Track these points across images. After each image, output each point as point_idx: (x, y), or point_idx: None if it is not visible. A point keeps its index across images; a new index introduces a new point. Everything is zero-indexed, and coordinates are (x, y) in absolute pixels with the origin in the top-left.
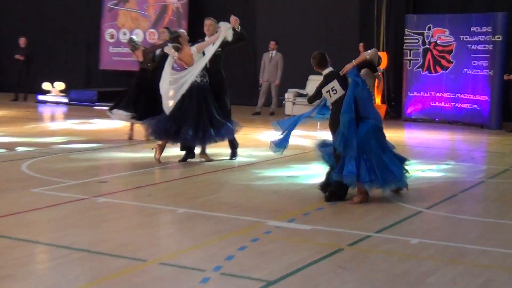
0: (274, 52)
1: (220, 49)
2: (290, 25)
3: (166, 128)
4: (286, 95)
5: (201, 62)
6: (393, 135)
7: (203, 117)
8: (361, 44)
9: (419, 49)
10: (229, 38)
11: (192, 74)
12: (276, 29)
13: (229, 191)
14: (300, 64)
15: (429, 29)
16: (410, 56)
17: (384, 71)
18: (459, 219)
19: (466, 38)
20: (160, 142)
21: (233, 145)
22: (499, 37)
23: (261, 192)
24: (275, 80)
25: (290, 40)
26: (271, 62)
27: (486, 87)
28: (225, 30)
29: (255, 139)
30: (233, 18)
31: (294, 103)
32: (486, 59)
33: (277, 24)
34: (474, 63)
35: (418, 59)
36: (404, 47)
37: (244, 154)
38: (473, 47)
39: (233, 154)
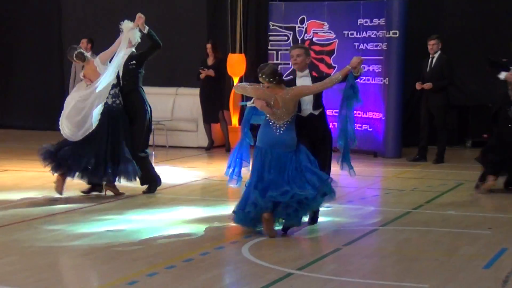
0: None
1: (134, 62)
2: (111, 20)
3: (64, 158)
4: None
5: (106, 77)
6: None
7: (107, 149)
8: (209, 45)
9: (289, 50)
10: (134, 40)
11: (100, 95)
12: (91, 28)
13: (22, 255)
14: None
15: (302, 21)
16: (277, 59)
17: (243, 79)
18: (342, 283)
19: (352, 34)
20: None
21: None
22: (395, 33)
23: (67, 256)
24: None
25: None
26: None
27: (379, 101)
28: (127, 31)
29: None
30: (137, 16)
31: None
32: (379, 62)
33: (92, 23)
34: (364, 68)
35: (288, 63)
36: (269, 47)
37: (45, 201)
38: (361, 46)
39: (150, 189)
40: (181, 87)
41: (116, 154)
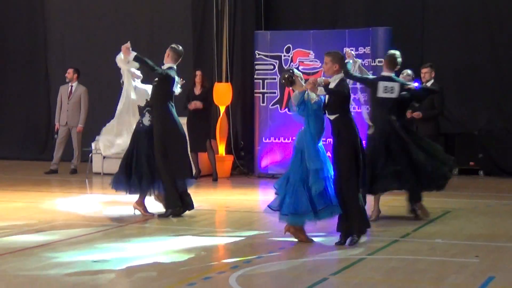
0: (74, 84)
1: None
2: (98, 49)
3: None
4: (93, 144)
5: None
6: (242, 197)
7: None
8: (198, 73)
9: (275, 79)
10: (137, 72)
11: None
12: (76, 54)
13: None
14: (112, 102)
15: (288, 50)
16: (263, 88)
17: (230, 108)
18: None
19: None
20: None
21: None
22: (380, 61)
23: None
24: (77, 124)
25: (98, 69)
26: (71, 98)
27: (367, 129)
28: (123, 66)
29: (50, 209)
30: (122, 47)
31: (104, 157)
32: (365, 90)
33: (77, 46)
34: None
35: (274, 92)
36: (255, 76)
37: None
38: None
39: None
40: None
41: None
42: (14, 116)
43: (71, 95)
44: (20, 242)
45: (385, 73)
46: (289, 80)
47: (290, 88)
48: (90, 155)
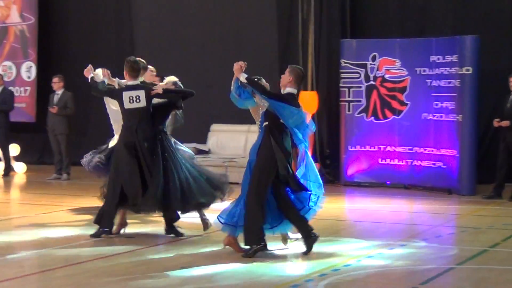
0: None
1: None
2: (184, 57)
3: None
4: None
5: None
6: (328, 205)
7: None
8: None
9: (361, 87)
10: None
11: None
12: (164, 62)
13: None
14: (199, 109)
15: (374, 59)
16: (348, 97)
17: (315, 116)
18: None
19: (424, 71)
20: None
21: None
22: (468, 70)
23: None
24: None
25: (184, 77)
26: None
27: (453, 137)
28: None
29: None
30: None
31: None
32: (452, 99)
33: (165, 55)
34: (436, 104)
35: (360, 100)
36: (341, 84)
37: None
38: (434, 83)
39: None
40: (253, 124)
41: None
42: (101, 123)
43: None
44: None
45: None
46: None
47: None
48: None
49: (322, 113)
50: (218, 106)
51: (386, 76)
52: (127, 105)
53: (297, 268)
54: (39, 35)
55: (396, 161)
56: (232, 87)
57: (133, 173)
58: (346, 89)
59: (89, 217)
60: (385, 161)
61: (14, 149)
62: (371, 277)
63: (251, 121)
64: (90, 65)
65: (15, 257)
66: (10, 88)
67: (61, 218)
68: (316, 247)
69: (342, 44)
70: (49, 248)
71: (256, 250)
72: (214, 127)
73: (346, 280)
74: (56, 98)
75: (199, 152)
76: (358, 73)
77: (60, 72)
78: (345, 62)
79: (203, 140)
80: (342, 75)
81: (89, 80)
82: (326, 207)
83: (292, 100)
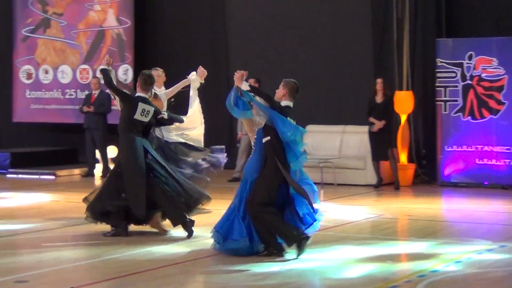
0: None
1: None
2: (278, 58)
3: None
4: None
5: None
6: (425, 205)
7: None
8: (379, 80)
9: (457, 86)
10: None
11: None
12: (257, 63)
13: None
14: (293, 110)
15: (470, 58)
16: (445, 96)
17: (411, 117)
18: None
19: None
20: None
21: None
22: None
23: None
24: None
25: (279, 78)
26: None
27: None
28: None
29: None
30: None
31: None
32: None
33: (258, 56)
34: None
35: (456, 100)
36: (437, 84)
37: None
38: None
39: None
40: (348, 124)
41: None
42: None
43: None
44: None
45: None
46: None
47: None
48: None
49: (418, 113)
50: (313, 106)
51: (483, 75)
52: (137, 116)
53: (395, 269)
54: (135, 38)
55: (493, 161)
56: (231, 97)
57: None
58: (442, 89)
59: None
60: (483, 161)
61: (112, 150)
62: (470, 278)
63: (346, 122)
64: (108, 56)
65: (112, 258)
66: (108, 91)
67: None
68: (414, 248)
69: (438, 43)
70: (145, 247)
71: (302, 246)
72: (309, 128)
73: (445, 281)
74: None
75: None
76: (454, 72)
77: None
78: (441, 62)
79: None
80: (438, 75)
81: (101, 72)
82: (423, 207)
83: (289, 114)
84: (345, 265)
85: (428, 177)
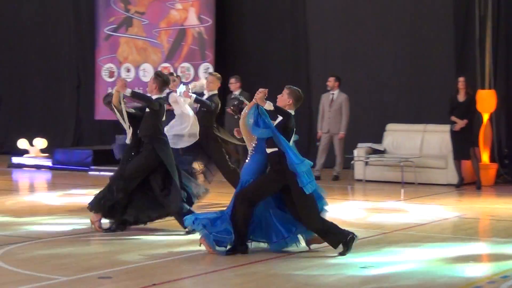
0: (336, 92)
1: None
2: (359, 57)
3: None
4: (355, 151)
5: None
6: (508, 206)
7: None
8: (461, 79)
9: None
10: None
11: None
12: (338, 61)
13: None
14: (373, 108)
15: None
16: None
17: (493, 115)
18: None
19: None
20: None
21: None
22: None
23: None
24: (338, 131)
25: (359, 76)
26: (332, 106)
27: None
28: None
29: None
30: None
31: (366, 163)
32: None
33: (339, 54)
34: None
35: None
36: None
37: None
38: None
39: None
40: (429, 123)
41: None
42: None
43: (332, 103)
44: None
45: None
46: (238, 108)
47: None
48: (352, 162)
49: (500, 112)
50: (393, 105)
51: None
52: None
53: (477, 270)
54: (216, 36)
55: None
56: (247, 115)
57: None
58: None
59: None
60: None
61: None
62: None
63: (427, 121)
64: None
65: (193, 255)
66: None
67: None
68: (497, 249)
69: None
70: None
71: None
72: (390, 126)
73: None
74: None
75: (375, 151)
76: None
77: (237, 73)
78: None
79: (379, 140)
80: None
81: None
82: (506, 208)
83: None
84: (427, 265)
85: (510, 176)
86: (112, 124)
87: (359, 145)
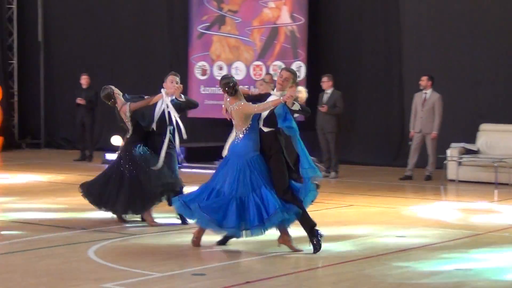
0: (429, 92)
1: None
2: (451, 53)
3: None
4: (448, 151)
5: None
6: None
7: None
8: None
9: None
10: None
11: None
12: (430, 60)
13: None
14: (466, 108)
15: None
16: None
17: None
18: None
19: None
20: None
21: None
22: None
23: None
24: (431, 131)
25: (452, 74)
26: (424, 105)
27: None
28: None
29: (405, 215)
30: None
31: (459, 163)
32: None
33: (432, 53)
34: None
35: None
36: None
37: (390, 236)
38: None
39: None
40: None
41: None
42: (368, 122)
43: (425, 102)
44: (385, 247)
45: None
46: (234, 89)
47: (230, 97)
48: (445, 162)
49: None
50: (488, 105)
51: None
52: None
53: None
54: (308, 35)
55: None
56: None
57: None
58: None
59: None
60: None
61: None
62: None
63: None
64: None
65: (286, 253)
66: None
67: (331, 216)
68: None
69: None
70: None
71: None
72: (483, 126)
73: None
74: (325, 97)
75: (468, 152)
76: None
77: (329, 72)
78: None
79: (472, 140)
80: None
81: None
82: None
83: None
84: None
85: None
86: (204, 122)
87: (452, 145)
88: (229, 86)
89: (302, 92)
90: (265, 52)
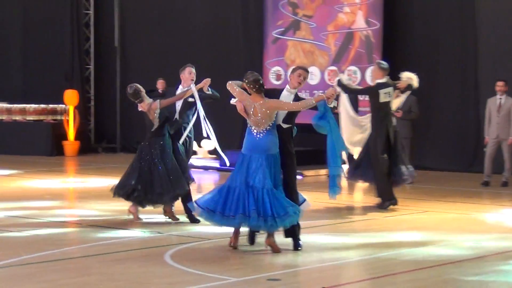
0: (503, 97)
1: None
2: None
3: None
4: None
5: None
6: None
7: None
8: None
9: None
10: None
11: None
12: (508, 65)
13: None
14: None
15: None
16: None
17: None
18: None
19: None
20: None
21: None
22: None
23: None
24: (507, 136)
25: None
26: (500, 111)
27: None
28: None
29: (481, 221)
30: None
31: None
32: None
33: (507, 58)
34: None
35: None
36: None
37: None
38: None
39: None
40: None
41: None
42: (443, 127)
43: (500, 108)
44: (457, 252)
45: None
46: (263, 85)
47: (253, 94)
48: None
49: None
50: None
51: None
52: None
53: None
54: (383, 40)
55: None
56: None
57: None
58: None
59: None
60: None
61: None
62: None
63: None
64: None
65: (363, 259)
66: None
67: (406, 222)
68: None
69: None
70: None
71: None
72: None
73: None
74: (400, 102)
75: None
76: None
77: None
78: None
79: None
80: None
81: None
82: None
83: None
84: None
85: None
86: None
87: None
88: (260, 83)
89: (414, 79)
90: (340, 57)
